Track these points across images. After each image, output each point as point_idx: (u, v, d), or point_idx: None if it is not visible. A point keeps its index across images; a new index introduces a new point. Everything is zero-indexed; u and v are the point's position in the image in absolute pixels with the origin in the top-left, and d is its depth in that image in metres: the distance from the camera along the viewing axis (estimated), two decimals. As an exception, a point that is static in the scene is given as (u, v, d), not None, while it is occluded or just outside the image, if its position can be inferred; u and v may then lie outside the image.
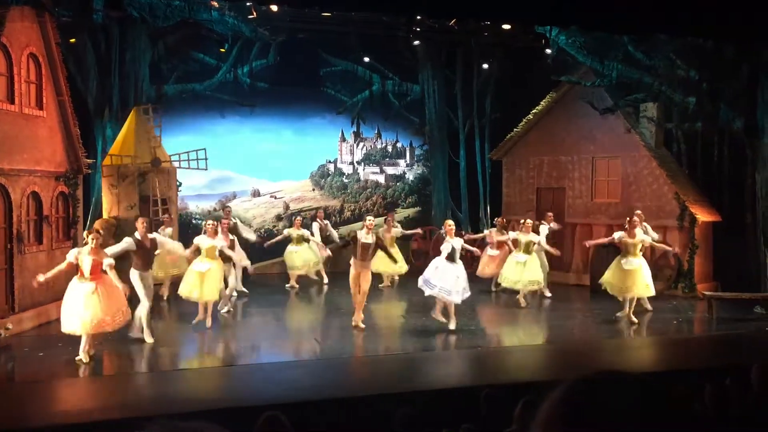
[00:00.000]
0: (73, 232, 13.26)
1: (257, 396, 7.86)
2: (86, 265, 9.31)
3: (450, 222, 12.00)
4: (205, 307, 11.61)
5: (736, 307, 13.35)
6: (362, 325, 11.49)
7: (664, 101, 16.02)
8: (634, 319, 12.34)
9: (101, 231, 10.02)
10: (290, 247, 15.89)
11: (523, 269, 13.77)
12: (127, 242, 10.35)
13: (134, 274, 10.41)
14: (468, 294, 11.51)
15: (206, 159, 16.57)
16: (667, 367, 9.22)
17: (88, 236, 9.57)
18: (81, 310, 9.18)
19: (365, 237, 11.38)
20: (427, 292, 11.42)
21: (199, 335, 11.48)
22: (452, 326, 11.38)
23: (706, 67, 15.11)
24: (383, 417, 5.75)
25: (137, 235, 10.49)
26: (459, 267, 11.41)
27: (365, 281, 11.52)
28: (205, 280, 11.41)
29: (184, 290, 11.56)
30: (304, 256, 15.86)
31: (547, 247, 14.16)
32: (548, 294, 14.85)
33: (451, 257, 11.34)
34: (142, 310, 10.39)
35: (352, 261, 11.63)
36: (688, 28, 12.50)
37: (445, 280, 11.22)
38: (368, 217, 11.72)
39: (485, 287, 15.55)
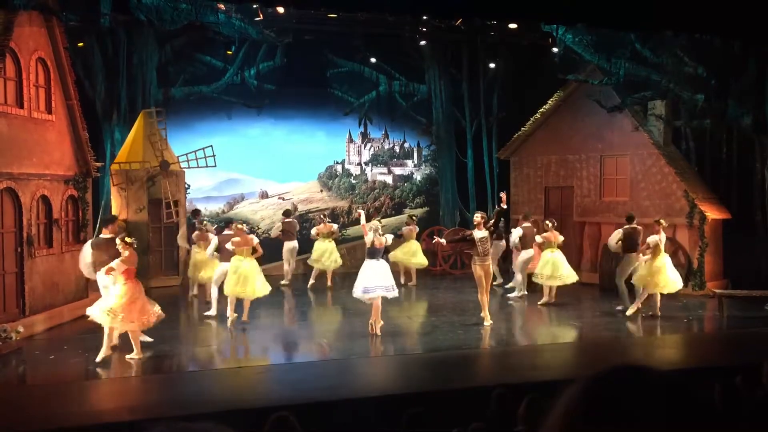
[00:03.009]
0: (83, 235, 13.32)
1: (266, 397, 7.88)
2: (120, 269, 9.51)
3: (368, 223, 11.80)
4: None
5: (746, 305, 13.28)
6: (490, 321, 11.96)
7: (672, 99, 15.95)
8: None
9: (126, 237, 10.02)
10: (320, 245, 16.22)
11: (552, 265, 13.88)
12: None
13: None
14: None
15: (214, 156, 16.67)
16: (678, 365, 9.18)
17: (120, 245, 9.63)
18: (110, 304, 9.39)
19: (479, 233, 11.71)
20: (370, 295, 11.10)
21: (207, 337, 11.51)
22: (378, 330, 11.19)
23: (714, 63, 15.03)
24: (392, 417, 5.75)
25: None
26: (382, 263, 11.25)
27: (488, 277, 11.96)
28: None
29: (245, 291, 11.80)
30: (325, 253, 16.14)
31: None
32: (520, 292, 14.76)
33: (373, 255, 11.15)
34: None
35: (473, 261, 11.93)
36: (695, 25, 12.46)
37: (380, 278, 11.08)
38: (476, 214, 12.22)
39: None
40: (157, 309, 9.76)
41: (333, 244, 16.48)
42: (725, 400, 5.03)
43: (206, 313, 12.59)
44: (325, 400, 7.41)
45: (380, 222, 15.96)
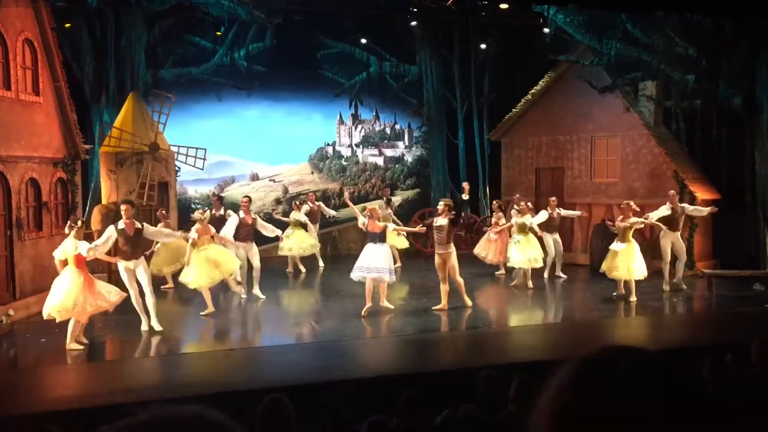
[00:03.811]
0: (73, 218, 13.24)
1: (259, 379, 7.90)
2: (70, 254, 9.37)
3: (374, 206, 12.09)
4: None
5: (735, 285, 13.38)
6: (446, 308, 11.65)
7: (663, 79, 15.95)
8: (632, 299, 12.34)
9: (79, 221, 9.82)
10: (287, 231, 15.78)
11: (519, 248, 13.76)
12: (109, 231, 10.06)
13: (119, 265, 10.20)
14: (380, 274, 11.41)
15: (204, 159, 16.70)
16: (667, 345, 9.25)
17: (68, 228, 9.53)
18: (61, 297, 9.16)
19: (439, 221, 11.49)
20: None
21: (198, 320, 11.50)
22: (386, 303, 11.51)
23: (705, 43, 15.02)
24: (385, 398, 5.78)
25: (121, 223, 10.15)
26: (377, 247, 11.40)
27: (442, 266, 11.52)
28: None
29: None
30: (294, 240, 15.78)
31: (537, 230, 14.04)
32: (563, 275, 14.68)
33: (370, 238, 11.40)
34: (133, 300, 10.14)
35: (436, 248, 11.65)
36: (685, 4, 12.44)
37: (364, 260, 11.37)
38: (441, 202, 11.91)
39: (484, 270, 15.60)
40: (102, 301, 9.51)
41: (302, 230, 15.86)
42: (715, 379, 5.07)
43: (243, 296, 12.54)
44: (318, 381, 7.44)
45: (387, 202, 15.95)
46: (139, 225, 10.31)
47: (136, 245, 10.23)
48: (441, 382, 7.22)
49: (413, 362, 8.83)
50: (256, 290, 12.75)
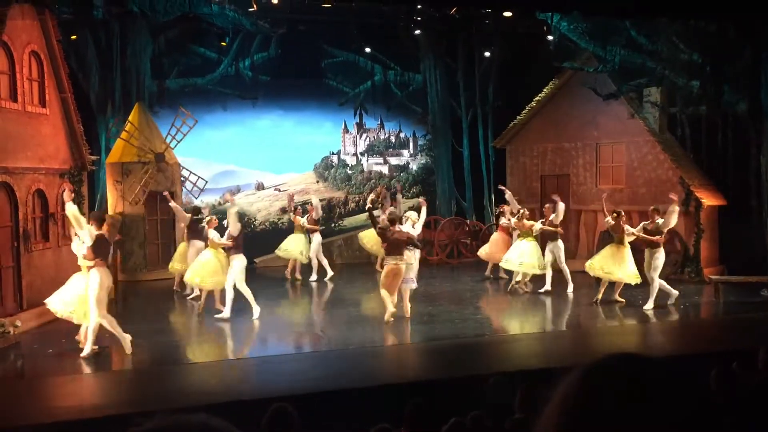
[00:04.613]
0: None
1: (264, 388, 7.89)
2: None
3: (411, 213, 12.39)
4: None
5: (742, 291, 13.32)
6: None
7: (667, 85, 15.94)
8: (597, 297, 12.69)
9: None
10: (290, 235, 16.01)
11: (516, 253, 13.87)
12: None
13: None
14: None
15: (202, 190, 16.90)
16: (674, 352, 9.22)
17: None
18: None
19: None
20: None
21: (203, 329, 11.51)
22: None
23: (709, 49, 15.02)
24: (391, 407, 5.77)
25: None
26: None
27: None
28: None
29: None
30: (288, 244, 15.85)
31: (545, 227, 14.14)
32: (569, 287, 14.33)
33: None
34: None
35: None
36: (689, 10, 12.44)
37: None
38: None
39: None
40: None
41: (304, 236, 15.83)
42: (721, 385, 5.05)
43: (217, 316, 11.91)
44: (323, 390, 7.43)
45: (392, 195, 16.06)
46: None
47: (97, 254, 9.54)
48: (448, 389, 7.21)
49: (419, 370, 8.82)
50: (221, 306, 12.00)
